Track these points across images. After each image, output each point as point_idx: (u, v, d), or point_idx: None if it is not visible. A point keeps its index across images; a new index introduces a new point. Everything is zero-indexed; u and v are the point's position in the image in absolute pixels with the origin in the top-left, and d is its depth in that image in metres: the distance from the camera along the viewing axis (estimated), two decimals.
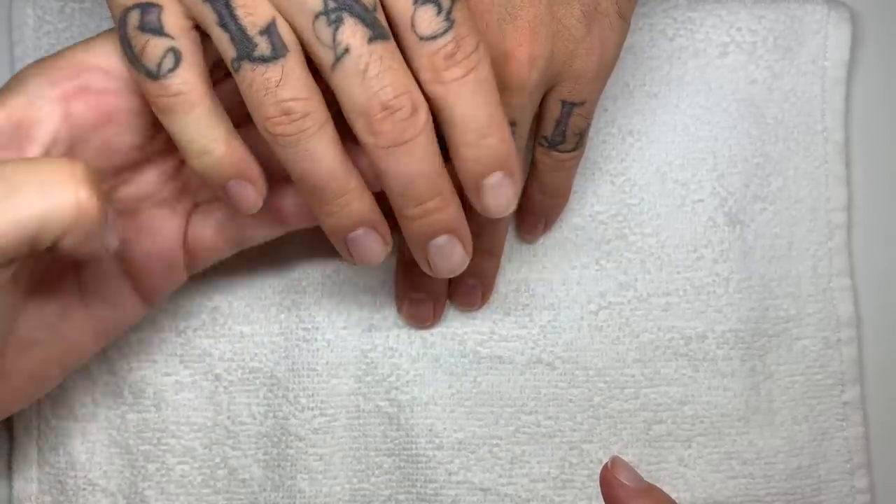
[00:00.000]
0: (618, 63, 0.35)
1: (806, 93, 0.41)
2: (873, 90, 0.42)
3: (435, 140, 0.29)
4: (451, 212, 0.30)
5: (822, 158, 0.41)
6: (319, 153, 0.28)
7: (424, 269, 0.31)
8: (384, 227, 0.31)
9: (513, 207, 0.30)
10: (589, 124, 0.36)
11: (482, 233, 0.36)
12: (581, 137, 0.36)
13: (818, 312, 0.40)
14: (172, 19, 0.27)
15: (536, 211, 0.39)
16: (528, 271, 0.40)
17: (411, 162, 0.28)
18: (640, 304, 0.40)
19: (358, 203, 0.30)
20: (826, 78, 0.41)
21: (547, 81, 0.33)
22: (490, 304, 0.40)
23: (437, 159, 0.29)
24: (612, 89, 0.40)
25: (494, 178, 0.29)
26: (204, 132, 0.29)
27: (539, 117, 0.35)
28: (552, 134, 0.35)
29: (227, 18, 0.27)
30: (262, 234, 0.35)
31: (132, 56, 0.28)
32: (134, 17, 0.27)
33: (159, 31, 0.27)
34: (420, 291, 0.39)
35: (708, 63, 0.40)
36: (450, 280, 0.39)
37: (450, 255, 0.31)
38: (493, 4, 0.32)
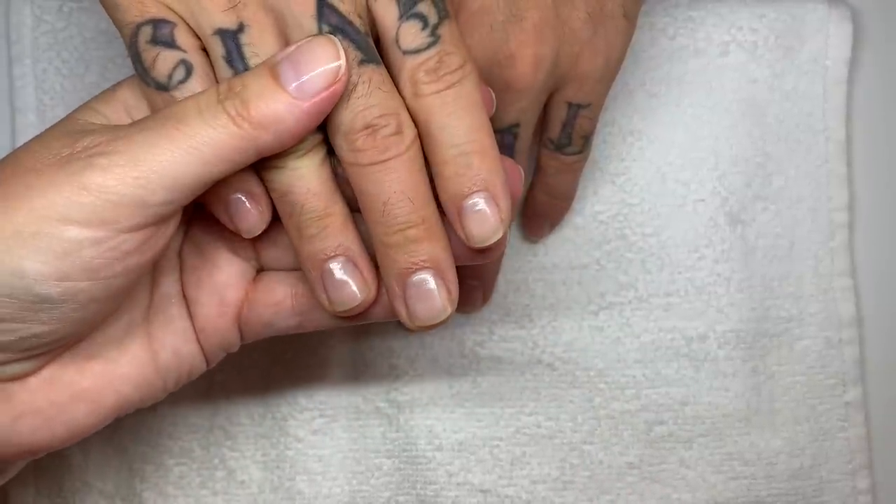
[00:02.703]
0: None
1: (807, 92, 0.41)
2: (874, 89, 0.42)
3: (422, 165, 0.28)
4: (436, 246, 0.28)
5: (824, 158, 0.41)
6: (305, 172, 0.28)
7: (401, 315, 0.28)
8: (368, 268, 0.29)
9: (498, 236, 0.28)
10: (595, 127, 0.35)
11: None
12: (587, 140, 0.35)
13: (820, 312, 0.40)
14: (184, 36, 0.27)
15: (541, 212, 0.39)
16: (528, 271, 0.40)
17: (392, 181, 0.27)
18: (641, 305, 0.40)
19: (340, 230, 0.28)
20: (827, 77, 0.41)
21: (552, 83, 0.33)
22: (490, 304, 0.40)
23: (422, 185, 0.27)
24: (613, 88, 0.40)
25: (475, 200, 0.27)
26: None
27: (545, 120, 0.35)
28: (558, 136, 0.35)
29: (235, 56, 0.27)
30: (322, 320, 0.31)
31: (142, 70, 0.28)
32: (146, 32, 0.27)
33: (171, 44, 0.27)
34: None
35: (709, 62, 0.40)
36: None
37: (430, 297, 0.28)
38: (499, 6, 0.32)
